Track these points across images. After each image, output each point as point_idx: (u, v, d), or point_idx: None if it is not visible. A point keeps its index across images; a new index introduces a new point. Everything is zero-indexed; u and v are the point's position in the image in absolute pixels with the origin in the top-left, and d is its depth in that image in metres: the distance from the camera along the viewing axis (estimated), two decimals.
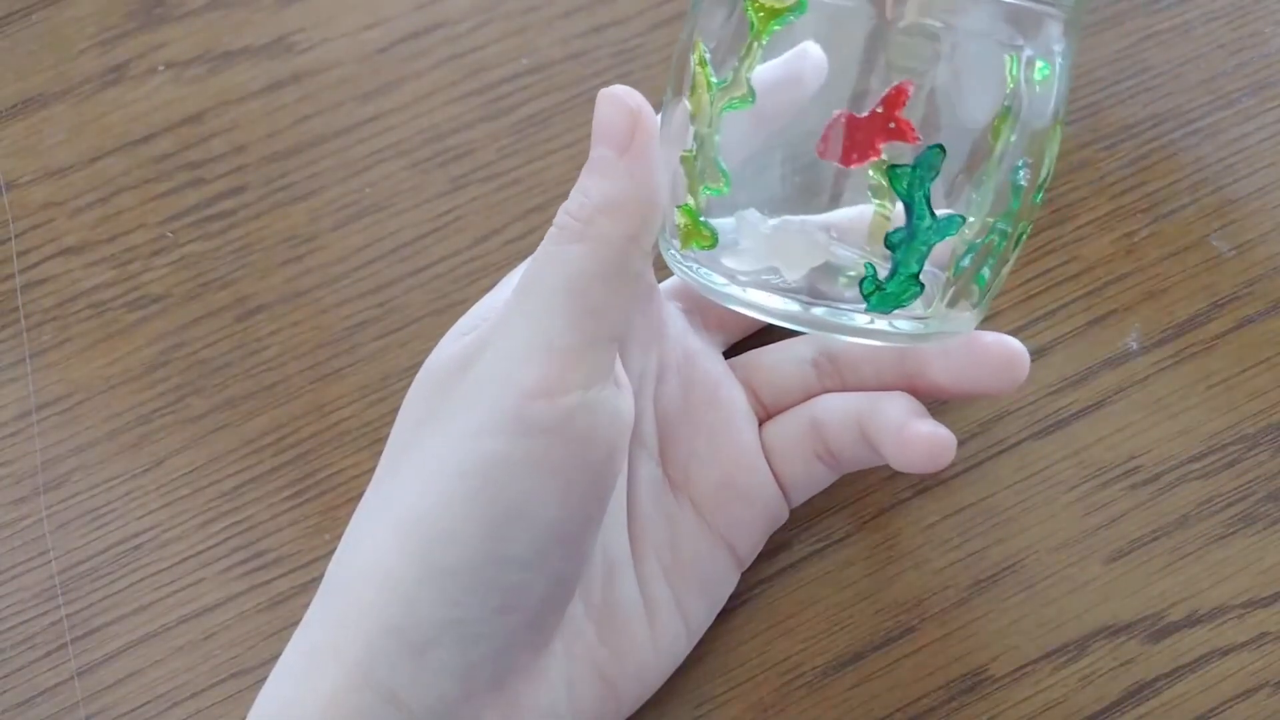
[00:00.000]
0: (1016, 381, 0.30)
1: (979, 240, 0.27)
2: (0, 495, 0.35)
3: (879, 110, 0.26)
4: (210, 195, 0.37)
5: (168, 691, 0.33)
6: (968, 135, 0.27)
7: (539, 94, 0.38)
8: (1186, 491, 0.34)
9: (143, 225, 0.37)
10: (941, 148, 0.25)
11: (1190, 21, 0.38)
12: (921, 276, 0.26)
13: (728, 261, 0.28)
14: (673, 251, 0.29)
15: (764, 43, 0.26)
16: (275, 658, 0.29)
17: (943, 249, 0.27)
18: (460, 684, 0.27)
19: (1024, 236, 0.28)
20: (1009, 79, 0.26)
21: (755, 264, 0.27)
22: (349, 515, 0.30)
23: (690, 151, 0.28)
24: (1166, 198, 0.37)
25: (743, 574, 0.33)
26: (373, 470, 0.35)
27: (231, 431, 0.35)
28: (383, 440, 0.35)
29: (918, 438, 0.29)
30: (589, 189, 0.27)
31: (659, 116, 0.28)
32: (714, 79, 0.27)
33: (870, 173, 0.26)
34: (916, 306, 0.27)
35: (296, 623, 0.29)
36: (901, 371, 0.31)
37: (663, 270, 0.34)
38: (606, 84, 0.38)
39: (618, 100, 0.27)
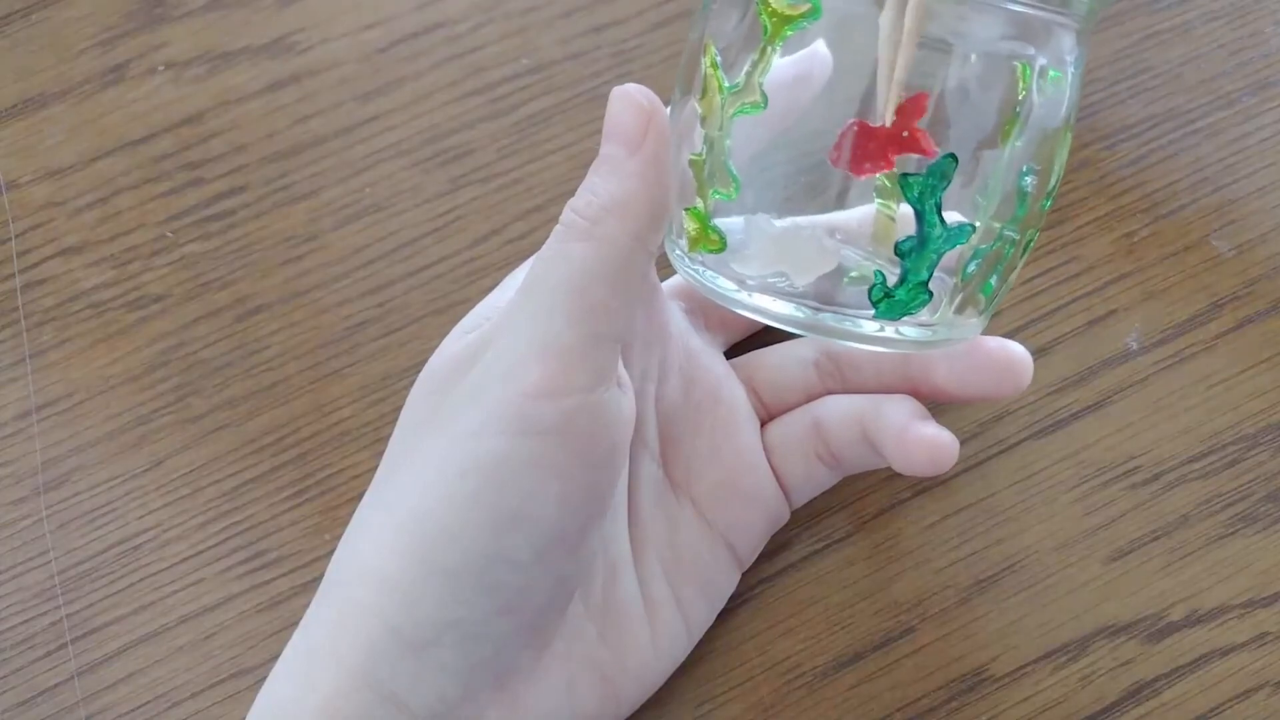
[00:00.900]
0: (1020, 386, 0.30)
1: (986, 246, 0.27)
2: (0, 495, 0.35)
3: (894, 120, 0.26)
4: (210, 195, 0.37)
5: (168, 691, 0.33)
6: (976, 142, 0.26)
7: (539, 94, 0.38)
8: (1186, 491, 0.34)
9: (143, 225, 0.37)
10: (954, 157, 0.25)
11: (1190, 21, 0.38)
12: (930, 284, 0.26)
13: (736, 266, 0.28)
14: (679, 253, 0.29)
15: (778, 48, 0.26)
16: (275, 658, 0.29)
17: (951, 254, 0.26)
18: (461, 684, 0.27)
19: (1031, 243, 0.28)
20: (1020, 88, 0.26)
21: (763, 269, 0.27)
22: (349, 515, 0.30)
23: (699, 155, 0.28)
24: (1166, 198, 0.37)
25: (743, 574, 0.33)
26: (373, 470, 0.35)
27: (231, 431, 0.35)
28: (383, 440, 0.35)
29: (920, 440, 0.29)
30: (597, 187, 0.27)
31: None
32: (726, 83, 0.27)
33: (878, 174, 0.26)
34: (923, 313, 0.27)
35: (296, 623, 0.29)
36: (904, 374, 0.31)
37: (665, 269, 0.34)
38: (606, 84, 0.38)
39: (631, 99, 0.27)
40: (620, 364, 0.28)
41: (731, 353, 0.34)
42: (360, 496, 0.34)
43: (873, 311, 0.27)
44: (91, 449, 0.35)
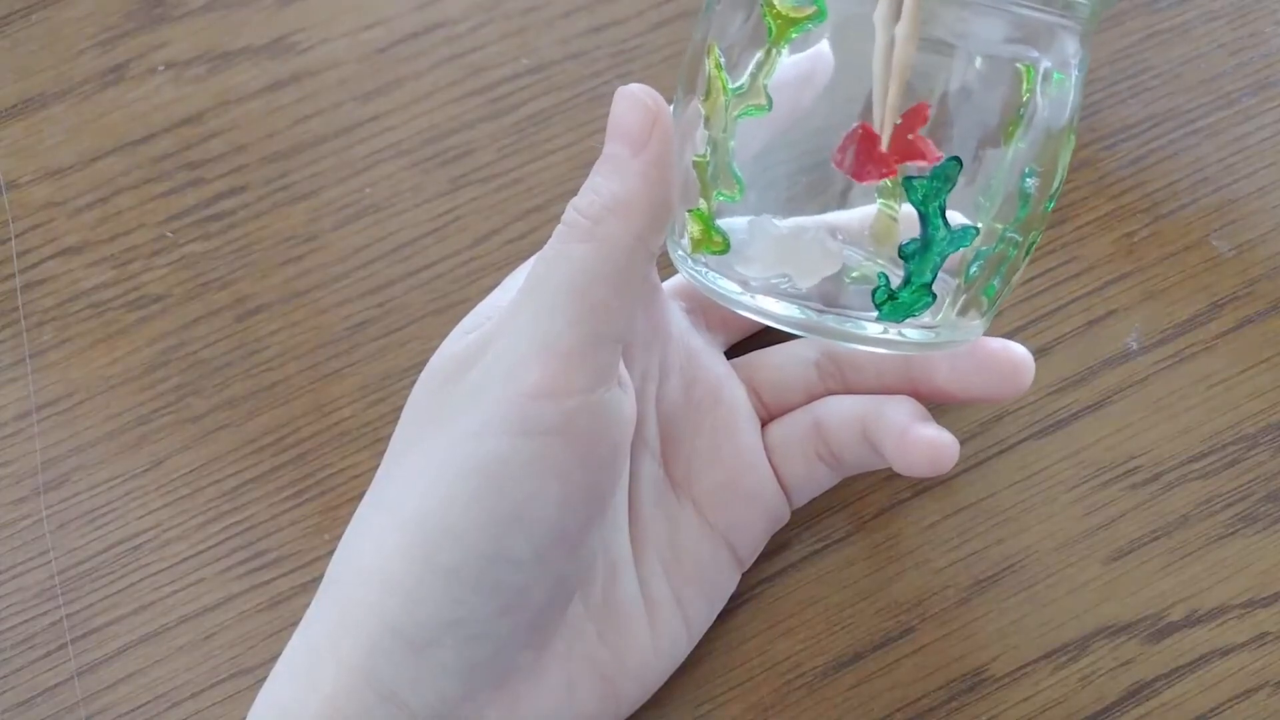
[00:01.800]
0: (1021, 388, 0.30)
1: (989, 248, 0.27)
2: (0, 495, 0.35)
3: (897, 126, 0.26)
4: (210, 195, 0.37)
5: (168, 691, 0.33)
6: (978, 143, 0.26)
7: (539, 94, 0.38)
8: (1186, 491, 0.34)
9: (142, 225, 0.37)
10: (958, 160, 0.25)
11: (1190, 21, 0.38)
12: (933, 286, 0.26)
13: (739, 267, 0.28)
14: (681, 254, 0.29)
15: (783, 50, 0.26)
16: (275, 658, 0.29)
17: (954, 256, 0.26)
18: (461, 684, 0.27)
19: (1034, 245, 0.28)
20: (1024, 90, 0.26)
21: (766, 271, 0.27)
22: (349, 515, 0.30)
23: (703, 156, 0.27)
24: (1166, 198, 0.37)
25: (743, 574, 0.33)
26: (373, 470, 0.35)
27: (231, 431, 0.35)
28: (383, 440, 0.35)
29: (920, 441, 0.29)
30: (600, 187, 0.27)
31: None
32: (730, 84, 0.27)
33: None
34: (926, 315, 0.27)
35: (297, 623, 0.29)
36: (905, 375, 0.31)
37: (666, 268, 0.34)
38: (607, 84, 0.38)
39: (636, 99, 0.27)
40: (621, 364, 0.28)
41: (732, 352, 0.34)
42: (360, 496, 0.34)
43: (875, 313, 0.26)
44: (91, 449, 0.35)
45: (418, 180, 0.37)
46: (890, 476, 0.34)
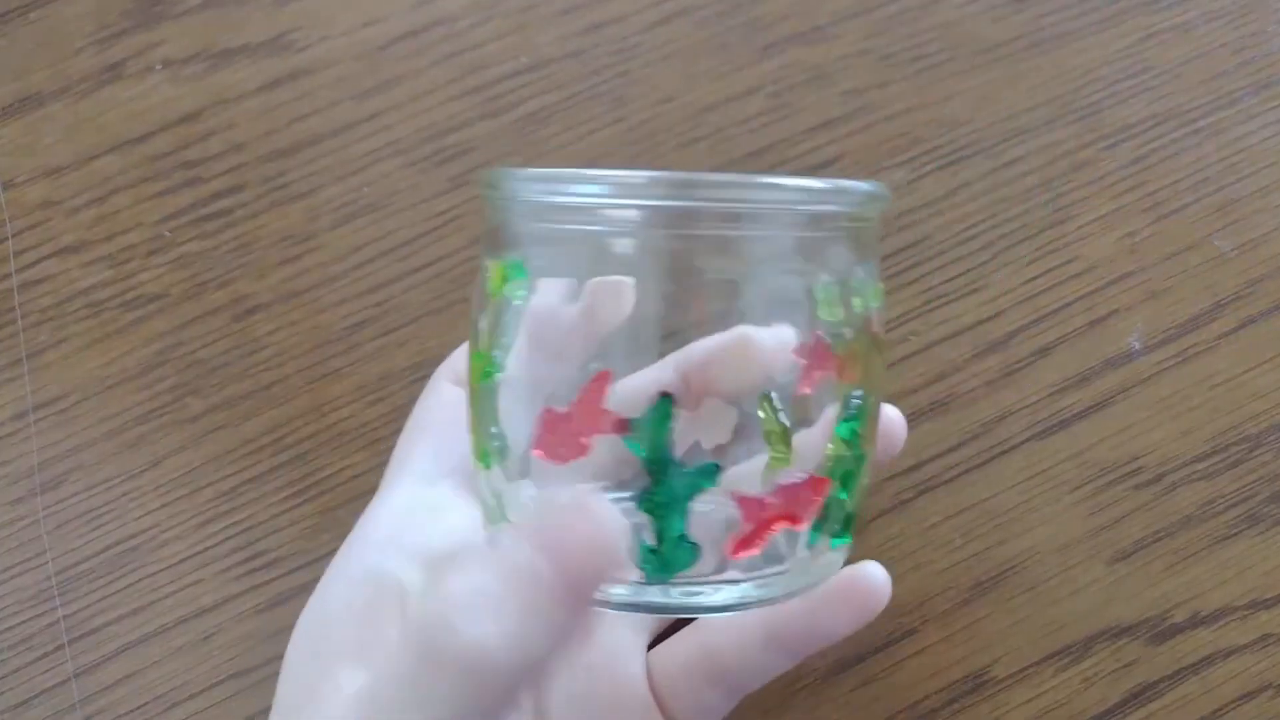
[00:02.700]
0: (876, 611, 0.28)
1: (832, 475, 0.25)
2: None
3: (581, 404, 0.24)
4: (207, 194, 0.37)
5: (166, 692, 0.33)
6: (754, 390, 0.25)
7: (538, 92, 0.38)
8: (1189, 492, 0.34)
9: (140, 224, 0.37)
10: (668, 395, 0.23)
11: (1192, 20, 0.38)
12: (774, 537, 0.24)
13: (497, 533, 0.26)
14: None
15: (505, 311, 0.25)
16: (273, 659, 0.29)
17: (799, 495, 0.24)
18: None
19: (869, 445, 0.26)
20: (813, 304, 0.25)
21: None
22: (347, 516, 0.30)
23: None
24: (1168, 197, 0.37)
25: None
26: (371, 471, 0.35)
27: (229, 432, 0.35)
28: (381, 440, 0.35)
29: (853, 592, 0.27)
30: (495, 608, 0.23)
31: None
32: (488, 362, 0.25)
33: (760, 414, 0.24)
34: (773, 561, 0.24)
35: (295, 624, 0.29)
36: (764, 629, 0.28)
37: None
38: (606, 82, 0.38)
39: (600, 532, 0.23)
40: None
41: None
42: (359, 497, 0.34)
43: (728, 575, 0.24)
44: (89, 449, 0.35)
45: (416, 179, 0.37)
46: (891, 477, 0.34)
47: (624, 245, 0.24)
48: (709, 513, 0.24)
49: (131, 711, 0.33)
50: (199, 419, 0.35)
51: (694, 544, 0.24)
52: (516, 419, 0.25)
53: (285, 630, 0.33)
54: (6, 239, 0.37)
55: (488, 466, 0.26)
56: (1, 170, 0.37)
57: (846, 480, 0.25)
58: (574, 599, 0.22)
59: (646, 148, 0.37)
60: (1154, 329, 0.36)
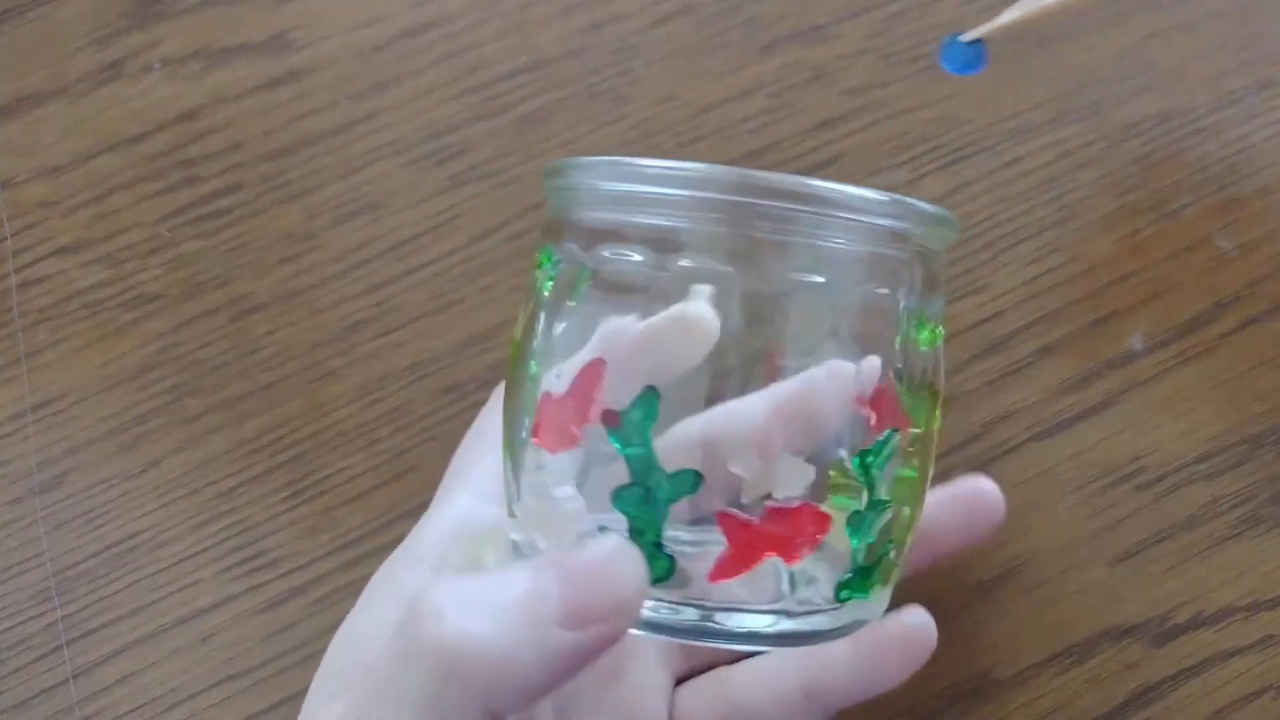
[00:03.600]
0: (924, 660, 0.27)
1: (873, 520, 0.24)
2: None
3: (574, 392, 0.23)
4: (206, 193, 0.37)
5: (164, 694, 0.33)
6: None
7: (537, 91, 0.38)
8: (1191, 493, 0.34)
9: (138, 224, 0.37)
10: (654, 389, 0.23)
11: (1194, 19, 0.38)
12: (772, 571, 0.23)
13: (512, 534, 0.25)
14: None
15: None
16: (272, 660, 0.29)
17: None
18: None
19: (918, 491, 0.25)
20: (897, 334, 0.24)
21: (519, 535, 0.25)
22: (346, 516, 0.30)
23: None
24: (1170, 196, 0.37)
25: None
26: (370, 471, 0.34)
27: (228, 432, 0.35)
28: (380, 441, 0.35)
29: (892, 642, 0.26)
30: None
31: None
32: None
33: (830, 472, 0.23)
34: (819, 599, 0.24)
35: (293, 625, 0.29)
36: (801, 681, 0.27)
37: None
38: (606, 81, 0.38)
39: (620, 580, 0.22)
40: None
41: None
42: (358, 498, 0.34)
43: (770, 604, 0.23)
44: (87, 450, 0.35)
45: (415, 178, 0.37)
46: None
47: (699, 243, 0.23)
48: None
49: (130, 712, 0.33)
50: (197, 419, 0.35)
51: (670, 556, 0.23)
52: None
53: (284, 631, 0.33)
54: (5, 239, 0.37)
55: (509, 459, 0.25)
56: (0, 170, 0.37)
57: (858, 527, 0.23)
58: (573, 624, 0.22)
59: (646, 147, 0.37)
60: (1155, 329, 0.35)
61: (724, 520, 0.23)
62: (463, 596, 0.22)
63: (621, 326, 0.24)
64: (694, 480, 0.23)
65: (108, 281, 0.36)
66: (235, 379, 0.35)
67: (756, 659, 0.29)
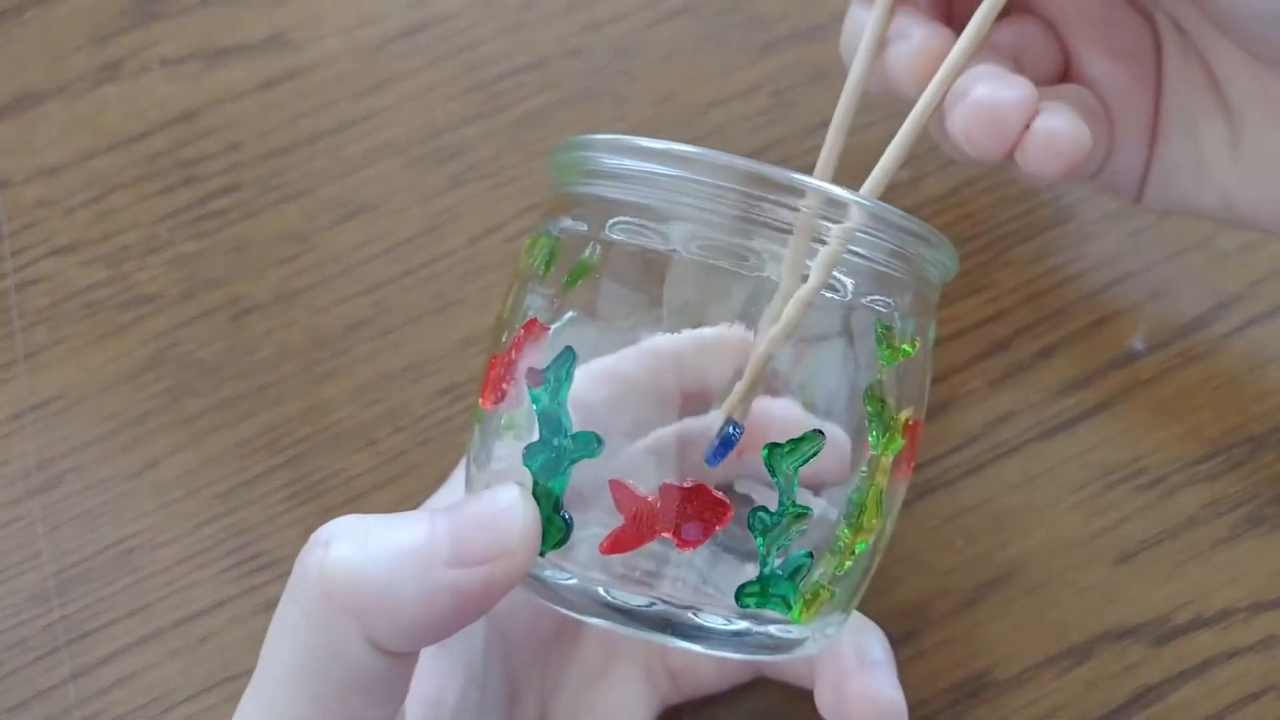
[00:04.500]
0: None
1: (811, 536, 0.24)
2: None
3: (509, 348, 0.23)
4: (204, 194, 0.37)
5: (163, 695, 0.33)
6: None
7: (536, 91, 0.38)
8: (1192, 493, 0.34)
9: (137, 224, 0.37)
10: (570, 349, 0.23)
11: None
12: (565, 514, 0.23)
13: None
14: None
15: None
16: None
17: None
18: None
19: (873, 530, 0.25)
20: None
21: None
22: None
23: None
24: None
25: None
26: (369, 472, 0.34)
27: (226, 433, 0.35)
28: (379, 442, 0.34)
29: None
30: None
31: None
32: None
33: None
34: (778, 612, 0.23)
35: None
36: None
37: None
38: (605, 80, 0.38)
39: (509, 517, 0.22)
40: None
41: None
42: (357, 499, 0.34)
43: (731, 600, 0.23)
44: (85, 450, 0.35)
45: (414, 178, 0.37)
46: None
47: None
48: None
49: (129, 713, 0.32)
50: (196, 420, 0.35)
51: (567, 518, 0.23)
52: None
53: None
54: (3, 239, 0.37)
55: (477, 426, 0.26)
56: None
57: (764, 529, 0.23)
58: (458, 564, 0.22)
59: None
60: (1157, 329, 0.35)
61: (616, 489, 0.23)
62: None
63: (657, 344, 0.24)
64: (593, 442, 0.23)
65: (106, 281, 0.36)
66: (234, 379, 0.35)
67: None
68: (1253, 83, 0.28)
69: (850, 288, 0.23)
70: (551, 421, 0.23)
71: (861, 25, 0.27)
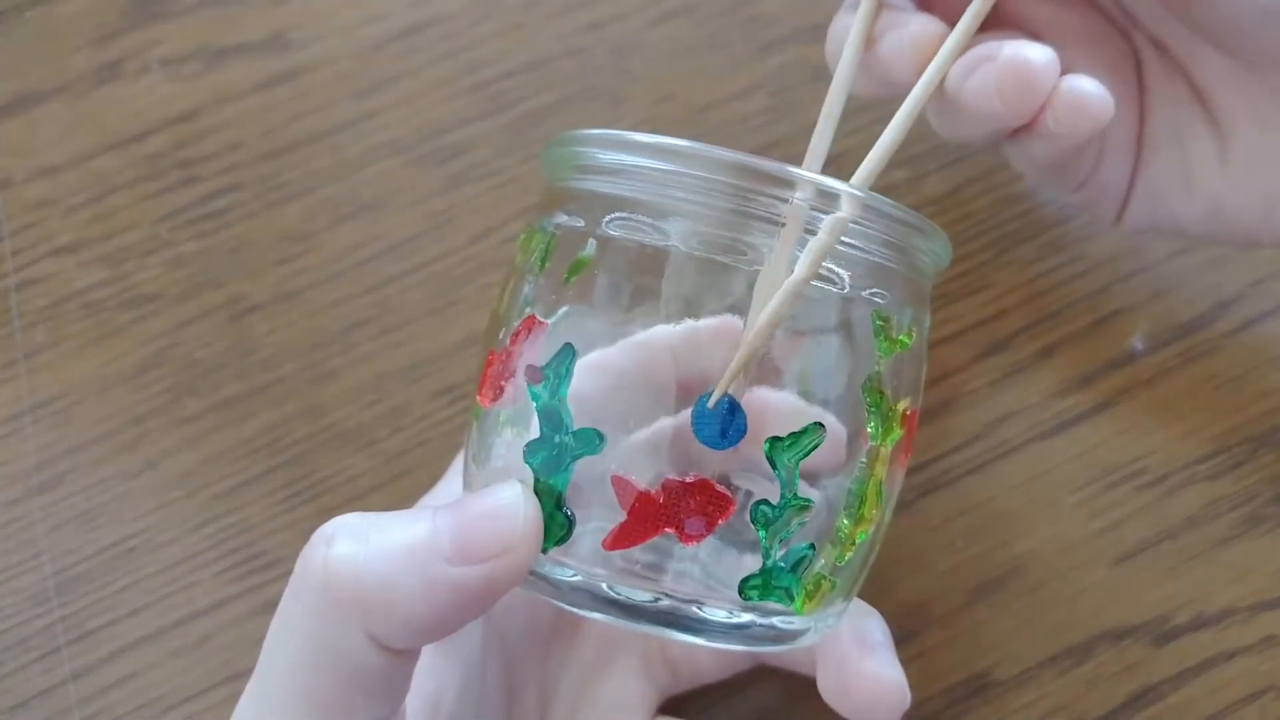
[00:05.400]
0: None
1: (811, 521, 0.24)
2: None
3: (508, 345, 0.23)
4: (204, 194, 0.37)
5: (162, 695, 0.33)
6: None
7: (536, 90, 0.38)
8: (1192, 493, 0.34)
9: (137, 224, 0.37)
10: (570, 345, 0.23)
11: None
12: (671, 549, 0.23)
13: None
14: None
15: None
16: None
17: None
18: None
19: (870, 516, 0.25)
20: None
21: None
22: None
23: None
24: None
25: None
26: (368, 472, 0.34)
27: (226, 433, 0.35)
28: (379, 442, 0.34)
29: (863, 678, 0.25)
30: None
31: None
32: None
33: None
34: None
35: None
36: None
37: None
38: (605, 80, 0.38)
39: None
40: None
41: None
42: (356, 498, 0.34)
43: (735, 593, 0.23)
44: (85, 450, 0.35)
45: (414, 178, 0.37)
46: None
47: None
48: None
49: (129, 713, 0.32)
50: (195, 420, 0.35)
51: (569, 515, 0.23)
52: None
53: None
54: (3, 239, 0.37)
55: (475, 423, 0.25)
56: None
57: (767, 522, 0.23)
58: (460, 560, 0.22)
59: None
60: (1157, 329, 0.35)
61: (619, 485, 0.23)
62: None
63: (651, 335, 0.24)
64: (595, 439, 0.23)
65: (106, 281, 0.36)
66: (234, 379, 0.35)
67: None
68: (1237, 88, 0.28)
69: (847, 280, 0.23)
70: (552, 418, 0.23)
71: (848, 28, 0.28)
